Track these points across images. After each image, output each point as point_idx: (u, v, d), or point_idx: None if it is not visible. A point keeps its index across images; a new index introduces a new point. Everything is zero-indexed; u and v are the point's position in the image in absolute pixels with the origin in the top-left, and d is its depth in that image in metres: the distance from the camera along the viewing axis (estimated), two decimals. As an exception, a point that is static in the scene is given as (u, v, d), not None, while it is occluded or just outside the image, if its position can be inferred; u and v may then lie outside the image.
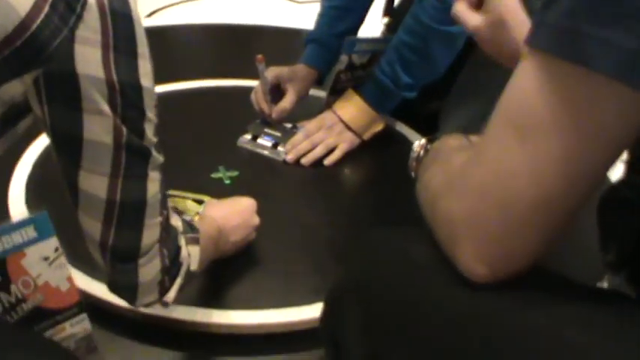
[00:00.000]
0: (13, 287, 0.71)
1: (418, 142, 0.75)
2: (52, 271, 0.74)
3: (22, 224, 0.70)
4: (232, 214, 1.01)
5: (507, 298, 0.52)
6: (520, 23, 0.69)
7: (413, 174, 0.74)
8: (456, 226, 0.53)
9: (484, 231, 0.51)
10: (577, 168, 0.47)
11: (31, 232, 0.70)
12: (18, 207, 1.15)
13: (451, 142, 0.70)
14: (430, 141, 0.74)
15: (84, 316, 0.80)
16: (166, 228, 0.73)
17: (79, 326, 0.80)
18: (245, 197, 1.06)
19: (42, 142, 1.28)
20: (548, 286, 0.53)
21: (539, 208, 0.49)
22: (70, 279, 0.76)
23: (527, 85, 0.48)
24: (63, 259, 0.74)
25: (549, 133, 0.47)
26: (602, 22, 0.44)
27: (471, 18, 0.72)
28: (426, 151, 0.74)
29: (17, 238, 0.70)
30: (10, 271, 0.70)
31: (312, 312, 0.93)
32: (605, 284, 0.60)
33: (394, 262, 0.61)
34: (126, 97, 0.62)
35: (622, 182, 0.56)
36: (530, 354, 0.48)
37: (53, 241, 0.72)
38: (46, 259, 0.73)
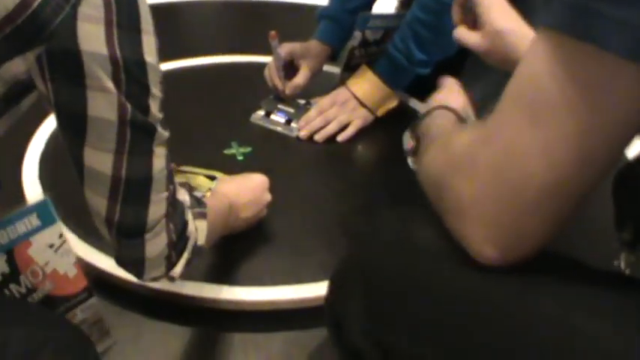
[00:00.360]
0: (22, 278, 0.72)
1: (407, 135, 0.75)
2: (58, 258, 0.74)
3: (25, 213, 0.70)
4: (244, 191, 1.01)
5: (515, 282, 0.51)
6: (515, 27, 0.75)
7: (412, 165, 0.74)
8: (465, 208, 0.52)
9: (494, 213, 0.50)
10: (589, 149, 0.47)
11: (34, 221, 0.71)
12: (31, 182, 1.16)
13: (441, 122, 0.69)
14: (415, 127, 0.74)
15: (94, 300, 0.81)
16: (173, 203, 0.73)
17: (89, 311, 0.81)
18: (257, 174, 1.06)
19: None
20: (558, 270, 0.53)
21: (550, 189, 0.48)
22: (76, 264, 0.77)
23: (538, 64, 0.47)
24: (68, 245, 0.75)
25: (560, 113, 0.46)
26: (615, 0, 0.42)
27: (470, 37, 0.80)
28: (418, 139, 0.73)
29: (21, 227, 0.70)
30: (18, 261, 0.71)
31: (321, 289, 0.92)
32: (621, 263, 0.59)
33: (397, 245, 0.60)
34: (130, 74, 0.62)
35: (639, 159, 0.55)
36: (539, 341, 0.48)
37: (57, 228, 0.73)
38: (51, 246, 0.73)
